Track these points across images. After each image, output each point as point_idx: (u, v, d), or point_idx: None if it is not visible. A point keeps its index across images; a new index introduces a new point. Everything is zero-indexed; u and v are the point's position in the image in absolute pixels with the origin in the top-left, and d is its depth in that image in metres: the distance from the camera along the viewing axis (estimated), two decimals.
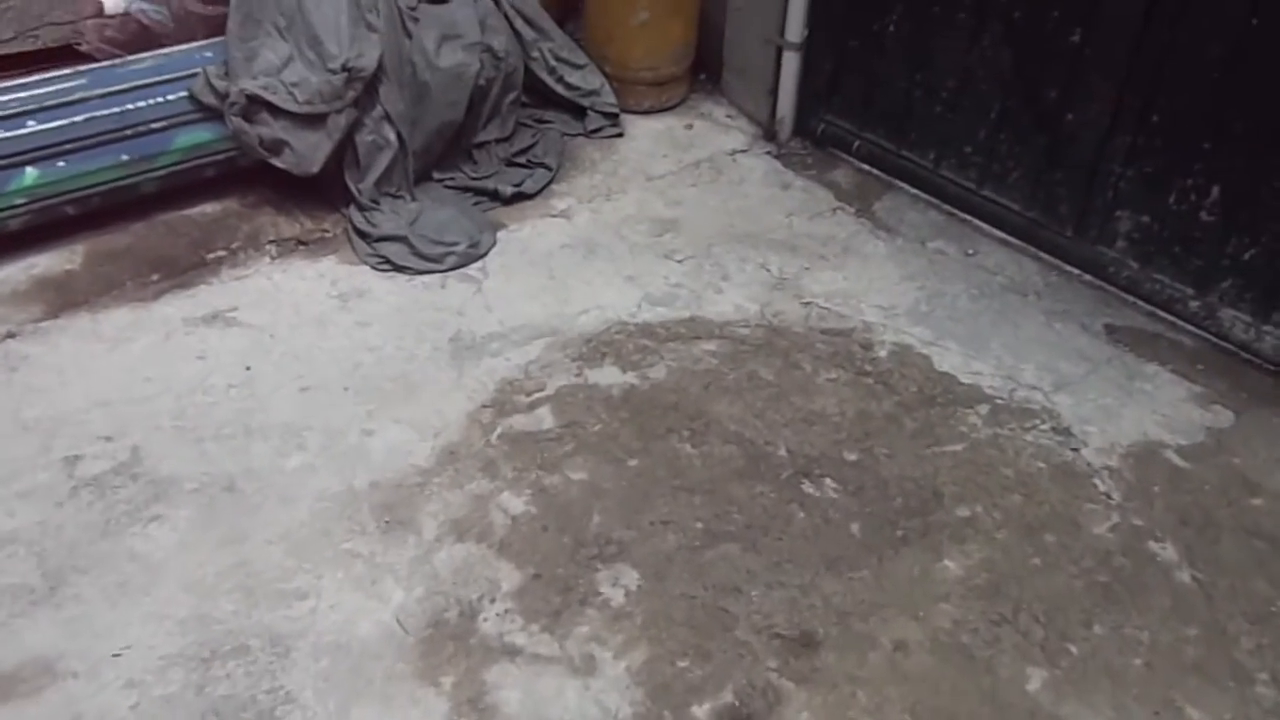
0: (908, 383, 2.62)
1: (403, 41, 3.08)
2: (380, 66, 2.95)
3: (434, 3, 3.21)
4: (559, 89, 3.54)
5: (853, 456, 2.39)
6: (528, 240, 3.06)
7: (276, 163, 2.86)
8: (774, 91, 3.58)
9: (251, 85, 2.77)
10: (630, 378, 2.57)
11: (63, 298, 2.65)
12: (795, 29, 3.40)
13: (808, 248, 3.12)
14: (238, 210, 2.99)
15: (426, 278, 2.86)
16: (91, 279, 2.71)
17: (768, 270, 3.01)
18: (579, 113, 3.59)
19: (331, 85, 2.82)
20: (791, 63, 3.48)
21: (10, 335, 2.52)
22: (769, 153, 3.60)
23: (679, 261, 3.03)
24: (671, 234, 3.14)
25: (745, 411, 2.49)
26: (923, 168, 3.32)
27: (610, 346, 2.67)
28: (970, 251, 3.13)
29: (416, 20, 3.10)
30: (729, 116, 3.75)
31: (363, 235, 2.92)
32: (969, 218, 3.24)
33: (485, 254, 2.96)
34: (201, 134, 2.85)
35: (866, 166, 3.49)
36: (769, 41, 3.49)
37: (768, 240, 3.14)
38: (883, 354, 2.72)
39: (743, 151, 3.60)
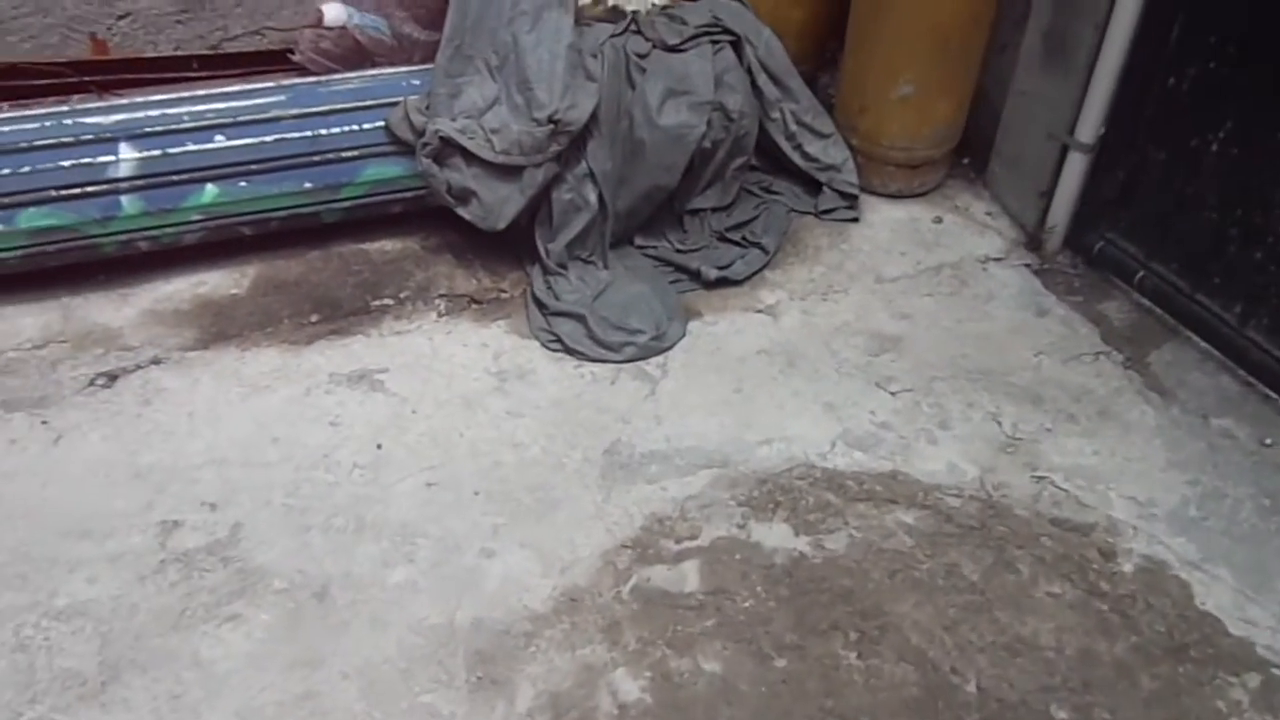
0: (1154, 618, 2.05)
1: (624, 91, 2.74)
2: (593, 118, 2.62)
3: (670, 50, 2.85)
4: (795, 158, 3.10)
5: (1062, 715, 1.86)
6: (721, 337, 2.66)
7: (462, 213, 2.59)
8: (1049, 194, 3.01)
9: (448, 127, 2.51)
10: (802, 543, 2.13)
11: (218, 326, 2.49)
12: (1089, 127, 2.81)
13: (1055, 401, 2.55)
14: (417, 252, 2.75)
15: (598, 367, 2.52)
16: (251, 309, 2.54)
17: (998, 424, 2.48)
18: (813, 187, 3.15)
19: (534, 136, 2.51)
20: (1077, 165, 2.90)
21: (156, 361, 2.38)
22: (1028, 265, 3.03)
23: (892, 394, 2.54)
24: (891, 355, 2.66)
25: (934, 620, 2.01)
26: (1223, 321, 2.67)
27: (787, 495, 2.24)
28: (1268, 442, 2.47)
29: (644, 70, 2.75)
30: (988, 214, 3.20)
31: (540, 305, 2.61)
32: (1275, 395, 2.57)
33: (669, 348, 2.59)
34: (392, 169, 2.63)
35: (1148, 303, 2.86)
36: (1053, 137, 2.91)
37: (1006, 383, 2.60)
38: (1127, 568, 2.15)
39: (997, 259, 3.04)
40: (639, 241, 2.90)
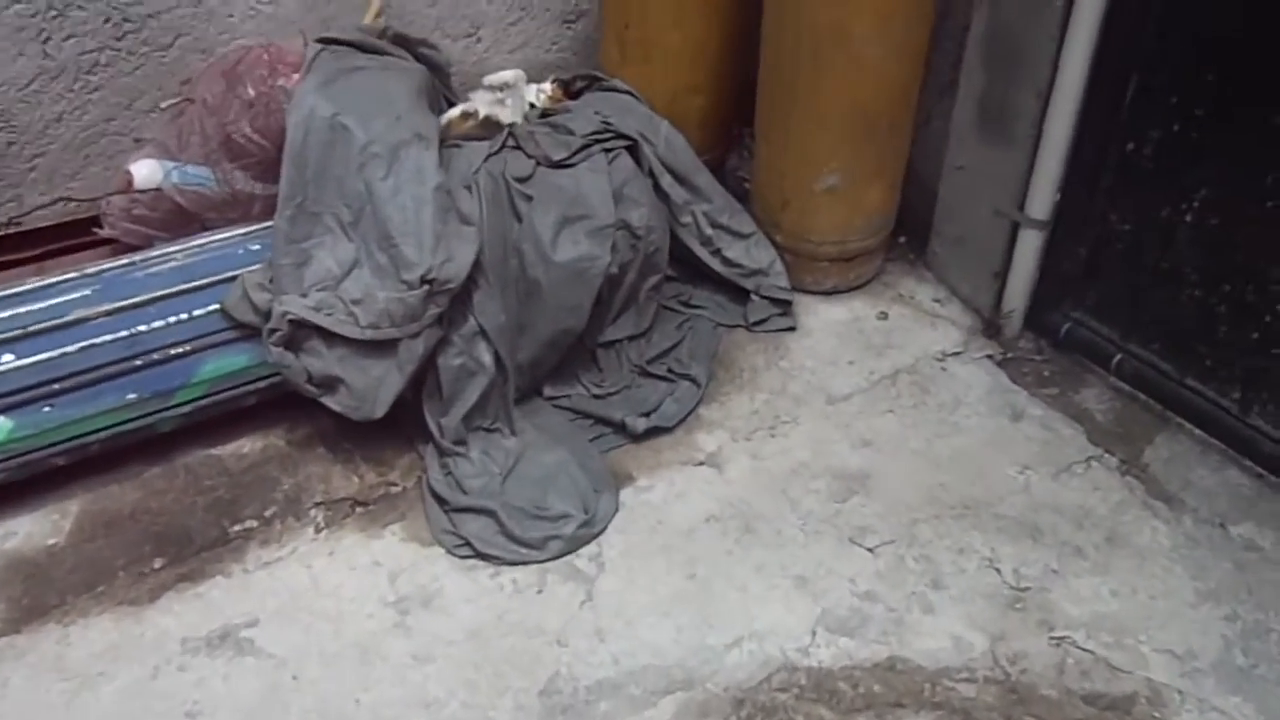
0: None
1: (510, 226, 2.30)
2: (476, 266, 2.18)
3: (557, 166, 2.42)
4: (715, 264, 2.71)
5: None
6: (661, 506, 2.23)
7: (329, 404, 2.12)
8: (1002, 274, 2.66)
9: (298, 306, 2.04)
10: None
11: (31, 595, 1.97)
12: (1041, 201, 2.47)
13: (1054, 530, 2.19)
14: (282, 450, 2.26)
15: (520, 571, 2.07)
16: (75, 563, 2.02)
17: (998, 571, 2.10)
18: (739, 295, 2.75)
19: (405, 303, 2.06)
20: (1031, 241, 2.55)
21: None
22: (990, 356, 2.67)
23: (870, 550, 2.14)
24: (860, 498, 2.26)
25: None
26: (1221, 408, 2.35)
27: (770, 716, 1.81)
28: None
29: (530, 197, 2.32)
30: (936, 300, 2.84)
31: (440, 500, 2.14)
32: None
33: (601, 531, 2.15)
34: (236, 359, 2.14)
35: (1130, 389, 2.53)
36: (1001, 214, 2.57)
37: (995, 515, 2.22)
38: None
39: (955, 354, 2.68)
40: (548, 392, 2.45)
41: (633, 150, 2.55)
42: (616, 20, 2.75)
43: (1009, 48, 2.38)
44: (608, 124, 2.52)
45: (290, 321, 2.03)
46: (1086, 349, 2.61)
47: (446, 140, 2.52)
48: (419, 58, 2.57)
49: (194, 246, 2.18)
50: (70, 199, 2.52)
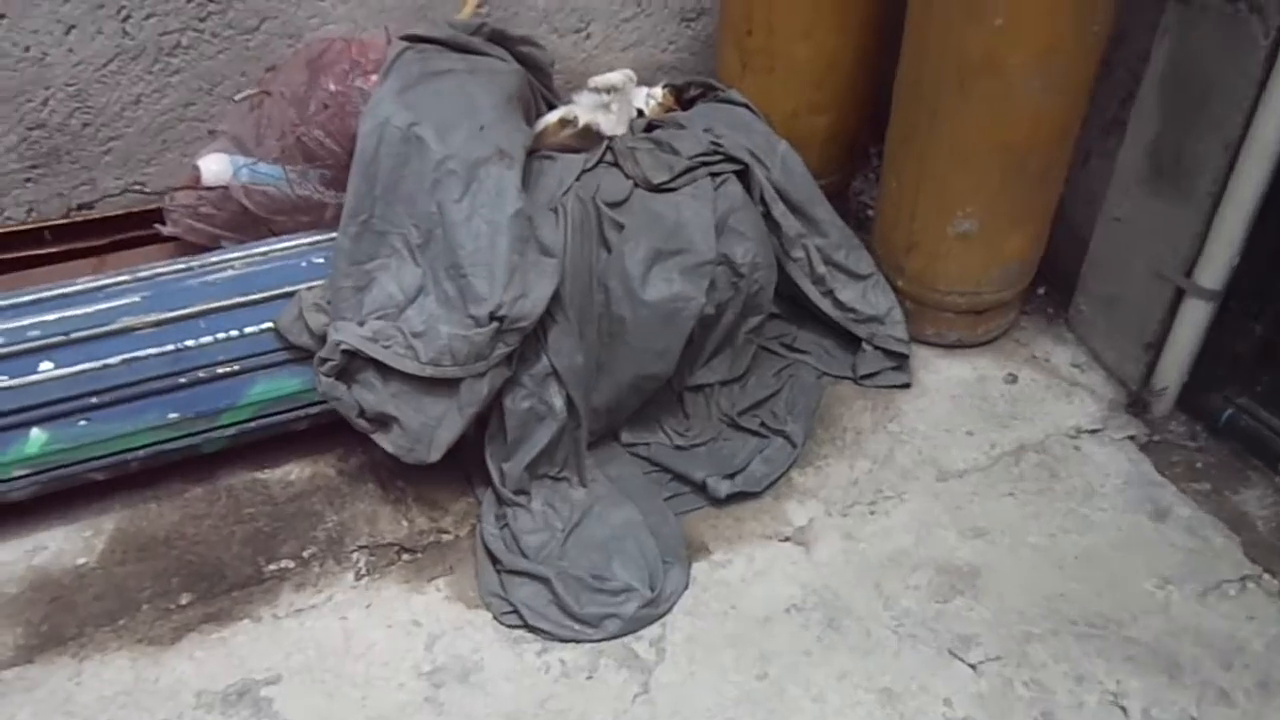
0: None
1: (596, 257, 2.07)
2: (555, 299, 1.95)
3: (656, 190, 2.18)
4: (825, 306, 2.42)
5: None
6: (737, 586, 1.98)
7: (381, 442, 1.93)
8: (1157, 346, 2.31)
9: (353, 335, 1.85)
10: None
11: (52, 621, 1.84)
12: (1214, 270, 2.12)
13: (1195, 666, 1.86)
14: (331, 480, 2.09)
15: (570, 651, 1.85)
16: (102, 588, 1.89)
17: (1123, 710, 1.79)
18: (849, 340, 2.46)
19: (471, 341, 1.85)
20: (1196, 313, 2.20)
21: None
22: (1133, 438, 2.33)
23: (973, 666, 1.85)
24: (966, 599, 1.97)
25: None
26: None
27: None
28: None
29: (622, 226, 2.08)
30: (1075, 366, 2.50)
31: (492, 558, 1.94)
32: None
33: (666, 612, 1.91)
34: (288, 382, 1.97)
35: None
36: (1163, 277, 2.21)
37: (1125, 638, 1.90)
38: None
39: (1092, 431, 2.34)
40: (626, 438, 2.22)
41: (743, 175, 2.29)
42: (737, 26, 2.47)
43: (1195, 89, 2.02)
44: (717, 145, 2.26)
45: (344, 351, 1.84)
46: (1250, 441, 2.25)
47: (540, 150, 2.31)
48: (518, 57, 2.35)
49: (255, 255, 2.01)
50: (144, 188, 2.38)
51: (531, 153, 2.29)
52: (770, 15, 2.37)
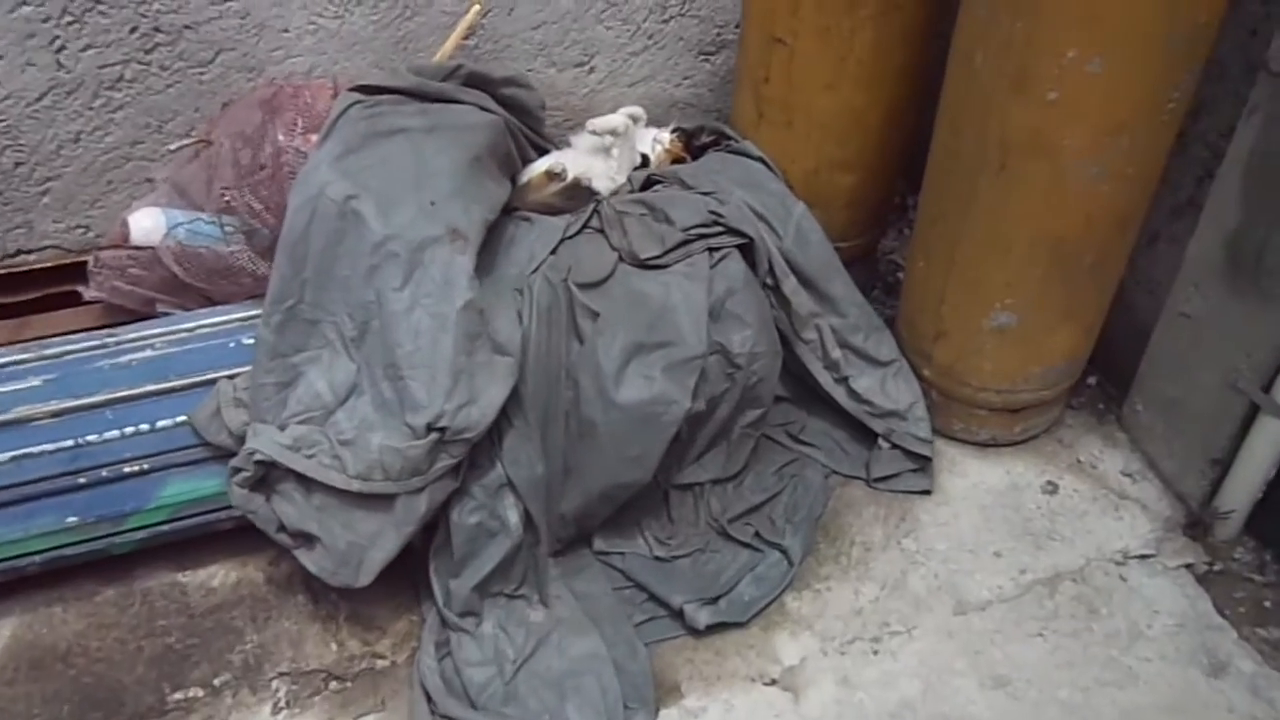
0: None
1: (566, 349, 1.79)
2: (512, 400, 1.68)
3: (643, 267, 1.89)
4: (838, 396, 2.13)
5: None
6: None
7: (304, 562, 1.68)
8: (1224, 462, 1.98)
9: (271, 444, 1.60)
10: None
11: None
12: None
13: None
14: (258, 590, 1.85)
15: None
16: None
17: None
18: (863, 434, 2.16)
19: (405, 455, 1.58)
20: (1275, 432, 1.86)
21: None
22: (1190, 567, 2.00)
23: None
24: None
25: None
26: None
27: None
28: None
29: (596, 315, 1.80)
30: (1127, 475, 2.17)
31: (426, 694, 1.68)
32: None
33: None
34: (207, 483, 1.73)
35: None
36: (1237, 389, 1.88)
37: None
38: None
39: (1142, 557, 2.02)
40: (599, 545, 1.95)
41: (746, 250, 1.99)
42: (754, 71, 2.17)
43: None
44: (718, 216, 1.96)
45: (257, 462, 1.59)
46: None
47: (520, 209, 2.04)
48: (502, 100, 2.08)
49: (180, 331, 1.77)
50: (88, 231, 2.15)
51: (510, 210, 2.03)
52: (790, 64, 2.07)
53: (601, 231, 1.99)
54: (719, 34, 2.50)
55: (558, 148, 2.35)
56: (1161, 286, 2.03)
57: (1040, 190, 1.74)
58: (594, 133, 2.28)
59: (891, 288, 2.52)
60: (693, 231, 1.94)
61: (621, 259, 1.92)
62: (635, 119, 2.48)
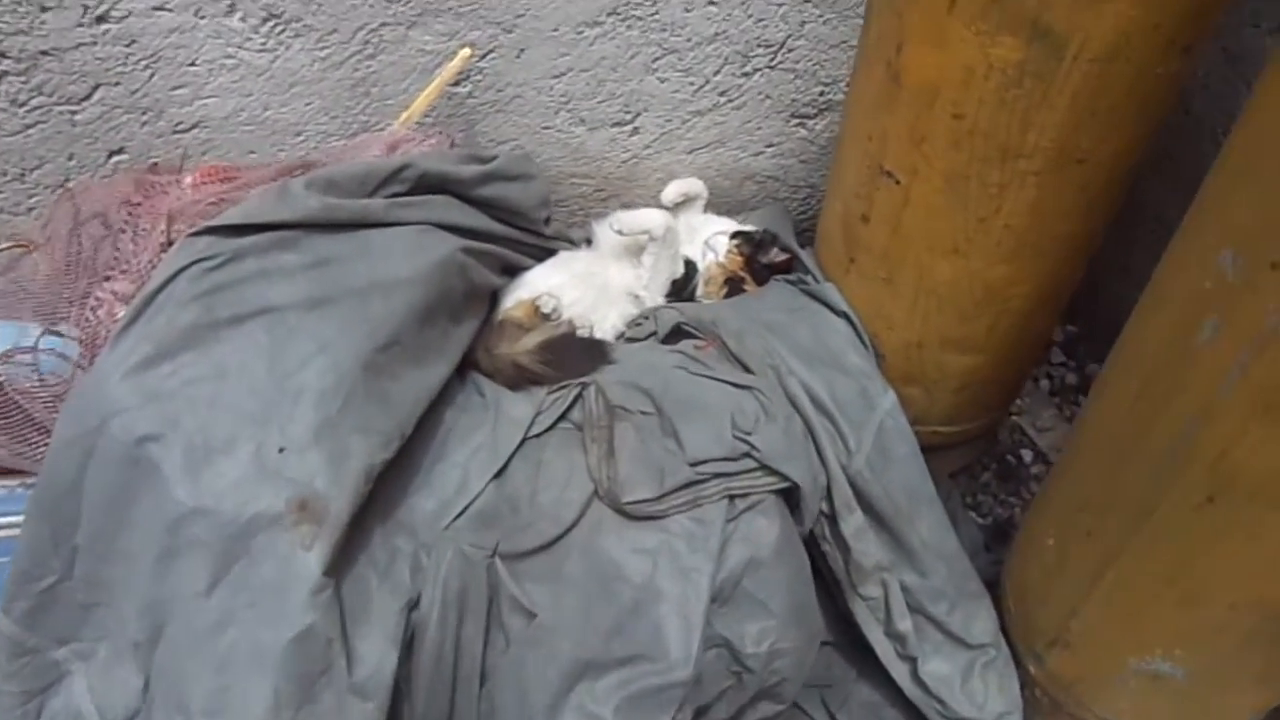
0: None
1: (482, 647, 1.20)
2: None
3: (625, 515, 1.27)
4: (899, 676, 1.52)
5: None
6: None
7: None
8: None
9: None
10: None
11: None
12: None
13: None
14: None
15: None
16: None
17: None
18: None
19: None
20: None
21: None
22: None
23: None
24: None
25: None
26: None
27: None
28: None
29: (532, 616, 1.19)
30: None
31: None
32: None
33: None
34: None
35: None
36: None
37: None
38: None
39: None
40: None
41: (790, 495, 1.35)
42: (848, 201, 1.47)
43: None
44: (750, 449, 1.31)
45: None
46: None
47: (482, 365, 1.43)
48: (478, 203, 1.44)
49: None
50: None
51: (469, 364, 1.42)
52: (902, 209, 1.36)
53: (580, 430, 1.37)
54: (823, 93, 1.78)
55: (570, 243, 1.71)
56: None
57: (1270, 552, 1.04)
58: (620, 232, 1.64)
59: (1012, 474, 1.84)
60: (706, 469, 1.30)
61: (598, 493, 1.30)
62: (691, 198, 1.82)
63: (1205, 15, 1.11)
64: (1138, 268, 1.64)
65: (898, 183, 1.35)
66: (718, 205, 1.89)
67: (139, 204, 1.23)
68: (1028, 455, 1.85)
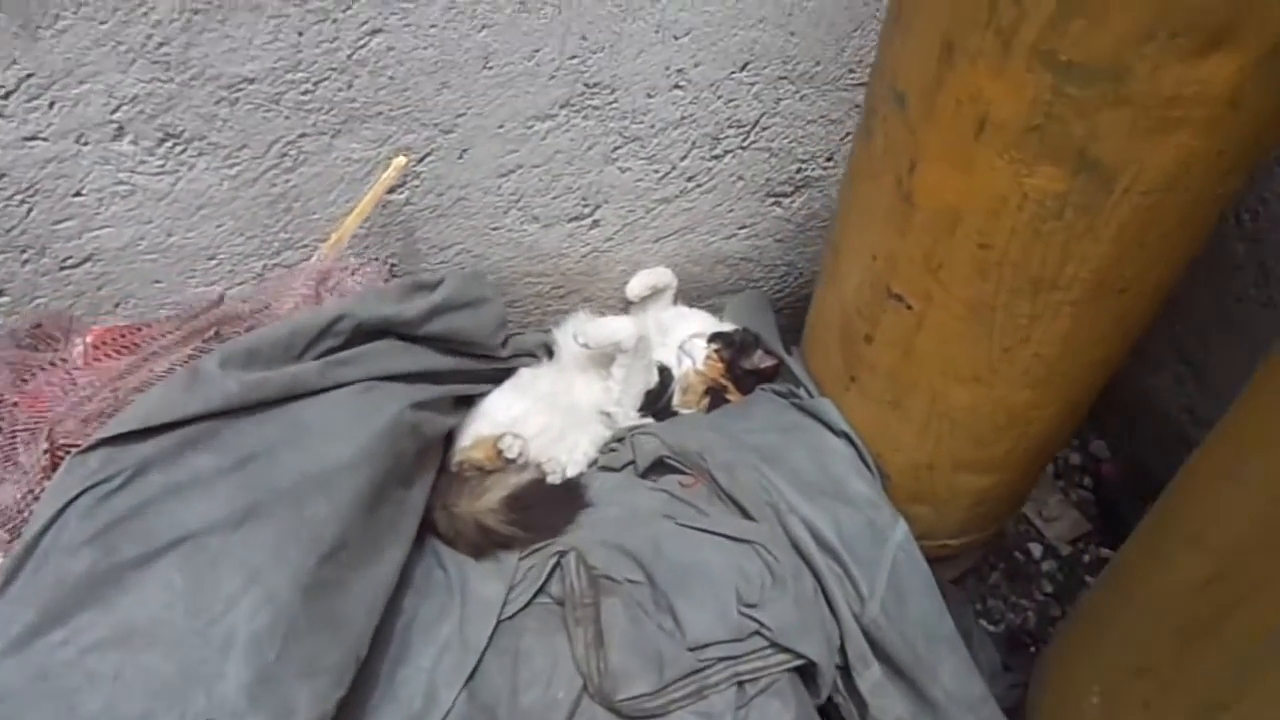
0: None
1: None
2: None
3: (617, 714, 1.10)
4: None
5: None
6: None
7: None
8: None
9: None
10: None
11: None
12: None
13: None
14: None
15: None
16: None
17: None
18: None
19: None
20: None
21: None
22: None
23: None
24: None
25: None
26: None
27: None
28: None
29: None
30: None
31: None
32: None
33: None
34: None
35: None
36: None
37: None
38: None
39: None
40: None
41: (805, 673, 1.18)
42: (850, 317, 1.31)
43: None
44: (760, 628, 1.14)
45: None
46: None
47: (439, 528, 1.24)
48: (427, 341, 1.25)
49: None
50: None
51: (421, 529, 1.23)
52: (915, 334, 1.20)
53: (560, 605, 1.19)
54: (800, 170, 1.61)
55: (532, 358, 1.52)
56: None
57: None
58: (586, 346, 1.46)
59: (1021, 572, 1.70)
60: (710, 653, 1.13)
61: (587, 689, 1.12)
62: (659, 289, 1.65)
63: (1272, 132, 0.95)
64: (1146, 345, 1.51)
65: (909, 308, 1.18)
66: (687, 292, 1.72)
67: (16, 403, 1.01)
68: (1036, 550, 1.72)
